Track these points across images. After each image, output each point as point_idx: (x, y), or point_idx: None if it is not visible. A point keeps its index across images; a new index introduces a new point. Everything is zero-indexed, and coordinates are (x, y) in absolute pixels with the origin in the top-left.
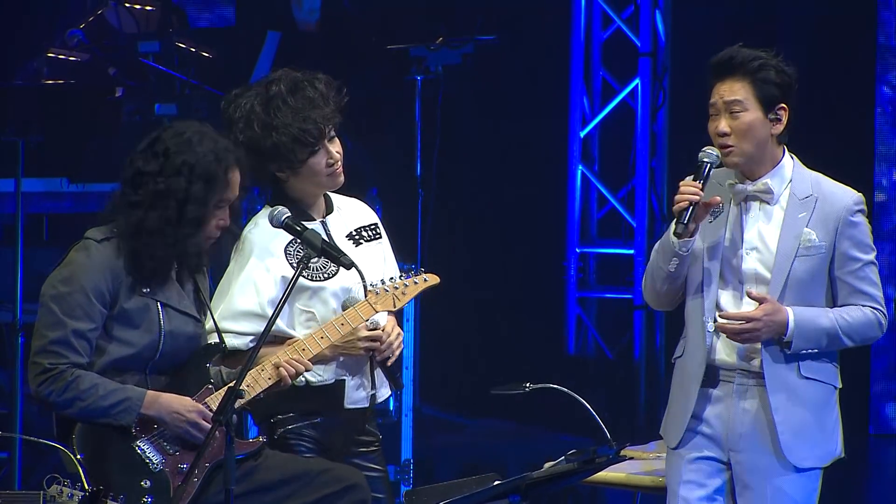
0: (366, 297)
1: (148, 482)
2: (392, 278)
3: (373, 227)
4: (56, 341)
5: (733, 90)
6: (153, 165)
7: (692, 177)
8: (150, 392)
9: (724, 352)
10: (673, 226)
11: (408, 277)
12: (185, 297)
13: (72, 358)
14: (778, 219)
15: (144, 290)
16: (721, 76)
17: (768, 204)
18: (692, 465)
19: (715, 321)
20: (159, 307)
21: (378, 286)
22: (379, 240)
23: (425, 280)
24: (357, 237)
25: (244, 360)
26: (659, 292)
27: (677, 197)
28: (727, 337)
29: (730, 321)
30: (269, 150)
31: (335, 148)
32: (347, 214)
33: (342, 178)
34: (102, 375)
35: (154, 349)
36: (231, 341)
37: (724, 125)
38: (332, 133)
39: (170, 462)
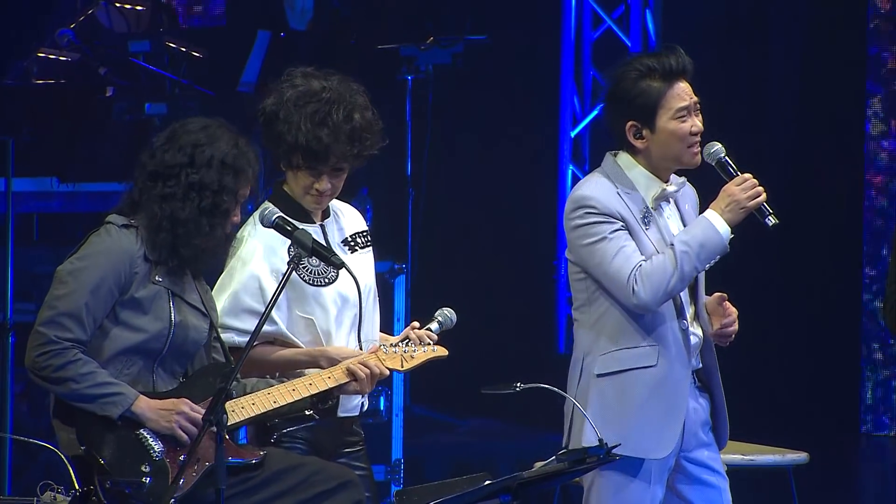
0: (362, 342)
1: (148, 467)
2: (404, 342)
3: (365, 234)
4: (65, 314)
5: (691, 90)
6: (181, 158)
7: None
8: (142, 396)
9: (695, 353)
10: (758, 216)
11: (417, 345)
12: (195, 291)
13: (77, 333)
14: (676, 213)
15: (158, 280)
16: (679, 77)
17: (667, 201)
18: (663, 477)
19: (686, 322)
20: (170, 296)
21: (388, 347)
22: (370, 247)
23: (434, 350)
24: (352, 243)
25: (238, 358)
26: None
27: (758, 190)
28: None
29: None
30: (285, 141)
31: (333, 181)
32: (344, 220)
33: (321, 208)
34: (109, 365)
35: (163, 339)
36: (233, 338)
37: (699, 124)
38: (342, 166)
39: (170, 454)
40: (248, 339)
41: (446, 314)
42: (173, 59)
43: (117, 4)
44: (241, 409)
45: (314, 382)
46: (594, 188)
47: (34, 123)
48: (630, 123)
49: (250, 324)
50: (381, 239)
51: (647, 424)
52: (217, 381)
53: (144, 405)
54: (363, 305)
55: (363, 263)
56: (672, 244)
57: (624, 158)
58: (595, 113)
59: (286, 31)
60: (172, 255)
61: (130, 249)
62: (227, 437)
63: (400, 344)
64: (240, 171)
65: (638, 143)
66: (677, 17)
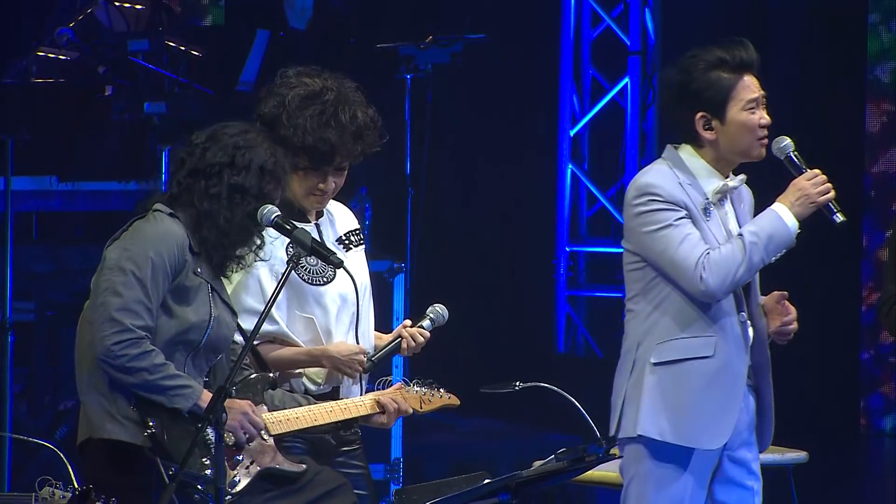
0: (359, 340)
1: (208, 460)
2: (425, 384)
3: (357, 231)
4: (135, 300)
5: (759, 84)
6: (221, 157)
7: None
8: (205, 391)
9: (752, 348)
10: (826, 212)
11: (434, 390)
12: (223, 288)
13: (146, 320)
14: (733, 212)
15: (199, 271)
16: (748, 69)
17: (725, 197)
18: (707, 471)
19: (745, 316)
20: (209, 290)
21: (412, 387)
22: (363, 245)
23: (448, 398)
24: (347, 242)
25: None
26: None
27: (827, 186)
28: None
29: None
30: (290, 143)
31: (336, 179)
32: (337, 219)
33: (322, 207)
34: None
35: (202, 331)
36: (237, 338)
37: (767, 117)
38: (346, 165)
39: (227, 452)
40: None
41: (438, 311)
42: (172, 58)
43: (116, 3)
44: (287, 420)
45: (349, 407)
46: (657, 176)
47: (33, 122)
48: (700, 114)
49: (251, 323)
50: (380, 238)
51: (702, 414)
52: (261, 388)
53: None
54: (360, 304)
55: (358, 261)
56: (741, 234)
57: (686, 151)
58: (594, 112)
59: (285, 30)
60: (217, 253)
61: (181, 236)
62: (273, 444)
63: (420, 388)
64: (278, 178)
65: (707, 135)
66: (676, 15)
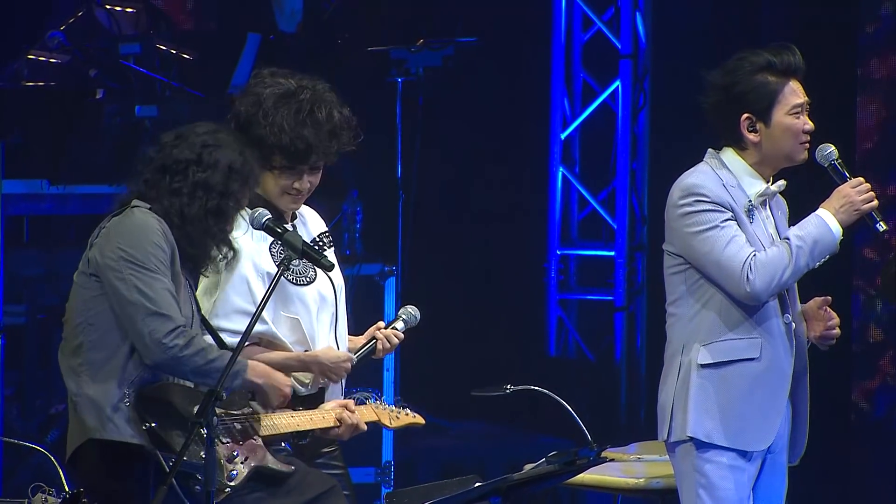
0: (338, 341)
1: (205, 453)
2: (394, 403)
3: (327, 234)
4: (162, 290)
5: (804, 91)
6: (188, 154)
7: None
8: (250, 361)
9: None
10: (868, 221)
11: (402, 409)
12: (194, 287)
13: (179, 307)
14: (772, 217)
15: (180, 266)
16: (794, 75)
17: (765, 203)
18: (754, 470)
19: (792, 320)
20: (189, 287)
21: (381, 404)
22: (333, 247)
23: (414, 416)
24: (320, 244)
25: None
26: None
27: (871, 194)
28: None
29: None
30: (266, 142)
31: (311, 178)
32: (308, 221)
33: (297, 207)
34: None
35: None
36: (224, 339)
37: (811, 123)
38: (321, 164)
39: (221, 448)
40: (237, 339)
41: (410, 312)
42: (164, 62)
43: (108, 7)
44: (272, 425)
45: (314, 419)
46: (702, 177)
47: (24, 125)
48: (745, 116)
49: (240, 324)
50: (371, 241)
51: (748, 416)
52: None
53: (258, 371)
54: (338, 304)
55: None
56: (787, 238)
57: (729, 154)
58: (585, 115)
59: (275, 34)
60: (181, 250)
61: (164, 228)
62: (263, 444)
63: (390, 405)
64: (245, 178)
65: (751, 137)
66: (667, 19)
